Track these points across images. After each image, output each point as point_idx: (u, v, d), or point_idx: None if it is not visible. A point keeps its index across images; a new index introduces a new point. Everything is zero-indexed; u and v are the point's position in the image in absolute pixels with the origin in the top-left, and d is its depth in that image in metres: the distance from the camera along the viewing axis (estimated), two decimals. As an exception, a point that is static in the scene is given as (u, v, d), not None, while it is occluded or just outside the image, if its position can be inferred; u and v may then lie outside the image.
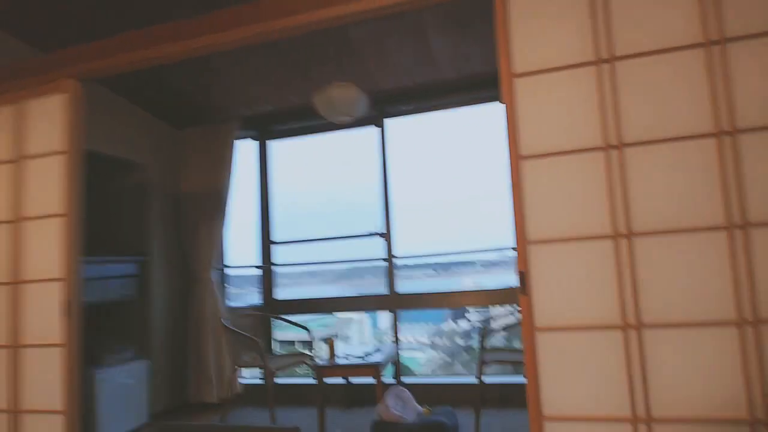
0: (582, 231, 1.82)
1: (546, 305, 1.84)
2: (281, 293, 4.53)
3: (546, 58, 1.91)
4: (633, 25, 1.83)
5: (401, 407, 3.07)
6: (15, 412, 2.45)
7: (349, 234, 4.38)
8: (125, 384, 3.71)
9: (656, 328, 1.72)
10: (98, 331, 3.90)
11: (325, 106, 3.02)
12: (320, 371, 3.37)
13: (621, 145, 1.80)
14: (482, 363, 3.28)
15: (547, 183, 1.88)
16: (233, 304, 4.60)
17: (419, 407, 3.14)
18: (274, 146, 4.64)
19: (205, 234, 4.33)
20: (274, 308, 4.46)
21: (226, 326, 3.77)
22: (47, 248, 2.48)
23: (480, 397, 3.15)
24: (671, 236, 1.73)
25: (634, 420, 1.69)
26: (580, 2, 1.89)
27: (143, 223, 4.13)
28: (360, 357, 3.48)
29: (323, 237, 4.49)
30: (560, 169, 1.86)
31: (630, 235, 1.76)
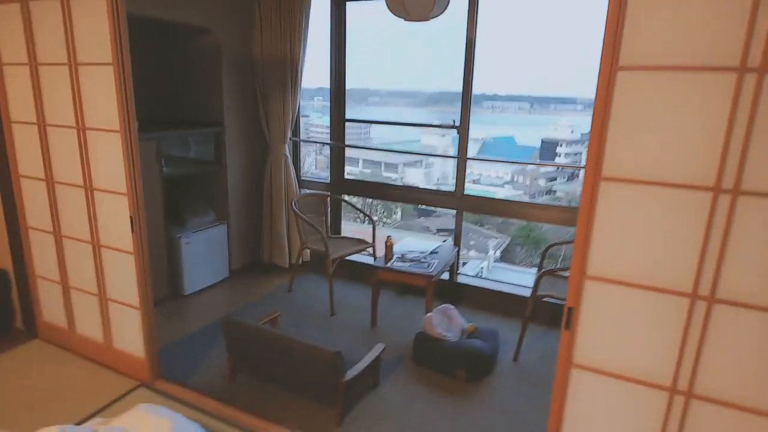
0: (655, 279, 1.52)
1: (590, 347, 1.65)
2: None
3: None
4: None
5: (446, 325, 3.18)
6: (104, 300, 2.84)
7: (424, 122, 4.05)
8: (207, 244, 4.12)
9: (708, 402, 1.51)
10: (184, 196, 4.20)
11: (396, 4, 2.50)
12: (375, 273, 3.49)
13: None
14: (539, 280, 3.20)
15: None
16: (307, 176, 4.68)
17: (464, 323, 3.24)
18: (352, 8, 4.10)
19: (278, 104, 4.20)
20: (342, 186, 4.48)
21: (295, 211, 3.91)
22: (112, 163, 2.54)
23: (529, 314, 3.14)
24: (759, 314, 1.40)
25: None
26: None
27: (218, 92, 4.06)
28: (416, 261, 3.52)
29: (396, 122, 4.20)
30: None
31: (712, 300, 1.45)
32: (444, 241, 4.16)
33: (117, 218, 2.61)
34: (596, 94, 1.43)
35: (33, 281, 3.15)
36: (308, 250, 4.43)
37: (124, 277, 2.69)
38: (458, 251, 3.96)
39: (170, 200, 3.97)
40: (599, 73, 1.42)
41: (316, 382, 2.60)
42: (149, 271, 2.67)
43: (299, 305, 3.90)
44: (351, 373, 2.59)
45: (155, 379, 2.76)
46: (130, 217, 2.53)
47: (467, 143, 3.87)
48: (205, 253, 4.10)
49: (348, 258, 4.04)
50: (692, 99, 1.36)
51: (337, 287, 4.13)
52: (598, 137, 1.44)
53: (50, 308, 3.13)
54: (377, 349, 2.87)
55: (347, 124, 4.39)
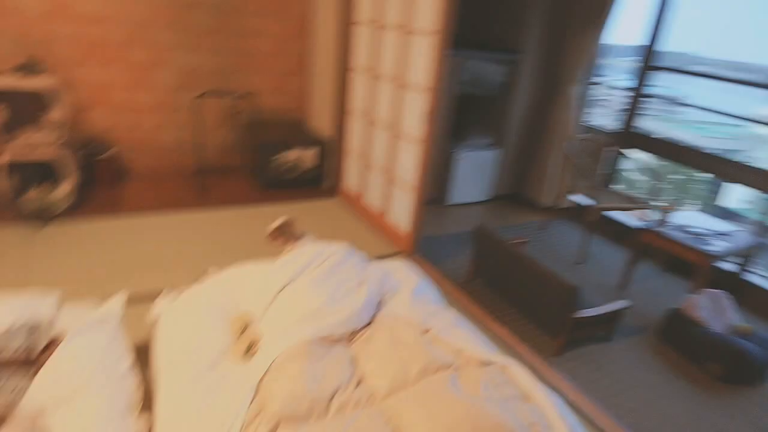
0: None
1: None
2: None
3: None
4: None
5: (711, 311, 2.76)
6: (388, 181, 3.37)
7: None
8: (478, 165, 4.37)
9: None
10: (468, 115, 4.50)
11: None
12: (640, 234, 3.20)
13: None
14: None
15: None
16: (590, 122, 4.43)
17: (737, 320, 2.75)
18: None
19: (579, 44, 4.01)
20: (629, 139, 4.11)
21: (568, 153, 3.80)
22: (423, 62, 2.89)
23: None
24: None
25: None
26: None
27: (521, 20, 4.10)
28: (696, 236, 3.08)
29: (728, 78, 3.54)
30: None
31: None
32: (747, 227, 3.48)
33: (416, 111, 3.00)
34: None
35: (342, 153, 3.92)
36: (572, 196, 4.30)
37: (409, 163, 3.12)
38: (761, 243, 3.28)
39: (456, 116, 4.30)
40: None
41: (548, 309, 2.63)
42: (430, 161, 3.03)
43: (548, 245, 3.88)
44: (585, 313, 2.54)
45: (412, 253, 3.21)
46: (427, 110, 2.88)
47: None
48: (474, 172, 4.37)
49: (611, 215, 3.78)
50: None
51: (592, 241, 3.94)
52: None
53: (350, 177, 3.88)
54: (620, 303, 2.71)
55: (656, 90, 3.93)
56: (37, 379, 1.58)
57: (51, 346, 1.71)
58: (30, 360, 1.65)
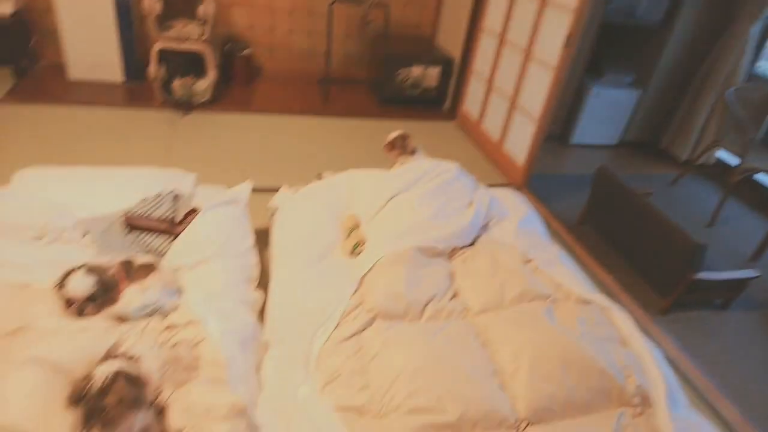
0: None
1: None
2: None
3: None
4: None
5: None
6: (512, 106, 3.22)
7: None
8: (613, 104, 3.99)
9: None
10: (610, 48, 4.06)
11: None
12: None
13: None
14: None
15: None
16: (760, 70, 3.80)
17: None
18: None
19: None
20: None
21: (727, 101, 3.33)
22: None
23: None
24: None
25: None
26: None
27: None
28: None
29: None
30: None
31: None
32: None
33: (555, 35, 2.78)
34: None
35: (468, 74, 3.79)
36: (716, 153, 3.83)
37: (537, 91, 2.95)
38: None
39: (596, 47, 3.90)
40: None
41: (664, 265, 2.46)
42: (560, 92, 2.84)
43: (676, 202, 3.55)
44: (705, 275, 2.34)
45: (523, 187, 3.12)
46: (568, 34, 2.65)
47: None
48: (605, 112, 4.01)
49: (759, 179, 3.32)
50: None
51: (729, 205, 3.52)
52: None
53: (471, 101, 3.77)
54: (748, 272, 2.46)
55: None
56: (176, 242, 1.82)
57: (190, 216, 1.95)
58: (173, 226, 1.90)
